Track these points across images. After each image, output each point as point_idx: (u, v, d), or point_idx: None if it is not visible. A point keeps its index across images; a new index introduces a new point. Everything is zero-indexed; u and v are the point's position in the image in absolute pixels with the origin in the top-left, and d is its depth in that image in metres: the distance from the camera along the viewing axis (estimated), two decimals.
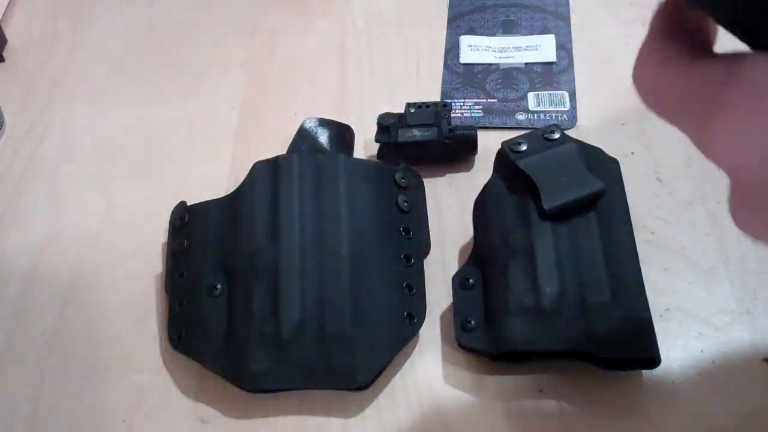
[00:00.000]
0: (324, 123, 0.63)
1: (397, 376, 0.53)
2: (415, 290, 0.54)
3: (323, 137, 0.63)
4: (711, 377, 0.52)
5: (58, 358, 0.55)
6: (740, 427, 0.50)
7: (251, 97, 0.72)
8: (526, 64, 0.73)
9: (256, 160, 0.58)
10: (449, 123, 0.62)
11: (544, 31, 0.75)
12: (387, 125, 0.62)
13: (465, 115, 0.68)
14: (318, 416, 0.52)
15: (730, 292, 0.56)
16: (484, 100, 0.69)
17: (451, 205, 0.62)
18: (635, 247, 0.54)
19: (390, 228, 0.57)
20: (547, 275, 0.51)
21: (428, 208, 0.61)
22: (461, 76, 0.72)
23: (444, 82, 0.72)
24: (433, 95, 0.70)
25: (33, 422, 0.52)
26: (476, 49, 0.74)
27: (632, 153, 0.63)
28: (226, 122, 0.70)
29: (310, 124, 0.63)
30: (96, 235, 0.62)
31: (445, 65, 0.73)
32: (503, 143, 0.57)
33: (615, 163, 0.59)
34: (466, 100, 0.70)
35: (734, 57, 0.25)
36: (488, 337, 0.52)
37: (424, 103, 0.63)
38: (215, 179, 0.65)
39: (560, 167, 0.54)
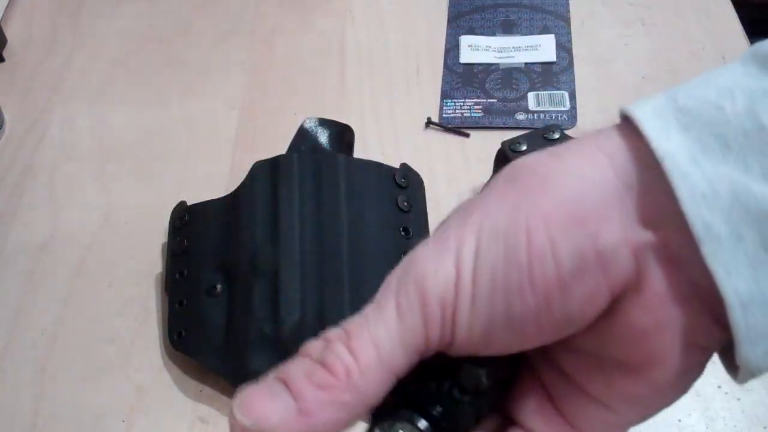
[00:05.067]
0: (324, 123, 0.63)
1: None
2: None
3: (323, 137, 0.63)
4: (710, 377, 0.52)
5: (58, 358, 0.55)
6: (741, 427, 0.50)
7: (251, 97, 0.72)
8: (525, 64, 0.73)
9: (256, 160, 0.58)
10: None
11: (544, 31, 0.75)
12: None
13: (465, 115, 0.68)
14: None
15: None
16: (484, 100, 0.69)
17: (451, 205, 0.62)
18: None
19: (390, 228, 0.56)
20: None
21: (428, 208, 0.61)
22: (461, 76, 0.72)
23: (444, 82, 0.72)
24: (433, 95, 0.70)
25: (33, 422, 0.52)
26: (476, 49, 0.74)
27: None
28: (226, 122, 0.70)
29: (310, 124, 0.63)
30: (96, 235, 0.62)
31: (445, 65, 0.73)
32: (503, 143, 0.57)
33: None
34: (466, 100, 0.70)
35: None
36: None
37: None
38: (215, 179, 0.65)
39: None
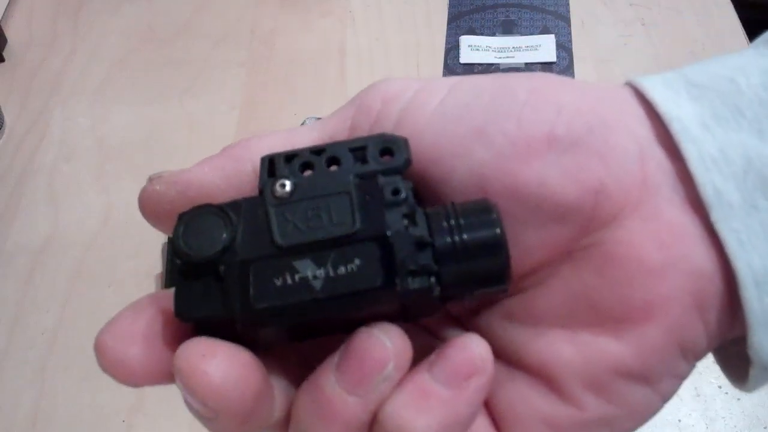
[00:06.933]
0: None
1: None
2: None
3: None
4: (710, 377, 0.52)
5: (58, 358, 0.55)
6: (741, 427, 0.50)
7: (251, 97, 0.72)
8: (526, 64, 0.73)
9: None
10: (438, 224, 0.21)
11: (544, 31, 0.75)
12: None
13: None
14: None
15: None
16: None
17: None
18: None
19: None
20: None
21: None
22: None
23: None
24: None
25: (33, 422, 0.52)
26: (476, 49, 0.74)
27: None
28: (226, 122, 0.70)
29: (310, 124, 0.63)
30: (96, 235, 0.62)
31: (445, 65, 0.73)
32: None
33: None
34: None
35: None
36: None
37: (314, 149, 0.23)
38: None
39: None
